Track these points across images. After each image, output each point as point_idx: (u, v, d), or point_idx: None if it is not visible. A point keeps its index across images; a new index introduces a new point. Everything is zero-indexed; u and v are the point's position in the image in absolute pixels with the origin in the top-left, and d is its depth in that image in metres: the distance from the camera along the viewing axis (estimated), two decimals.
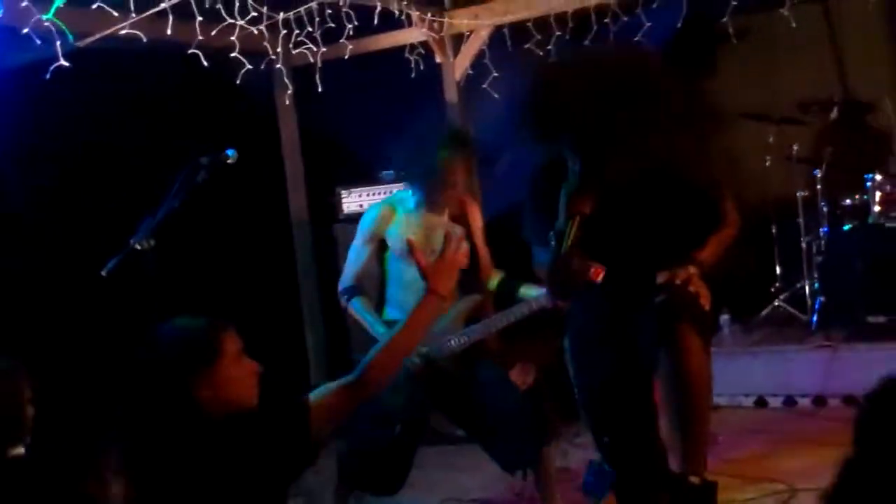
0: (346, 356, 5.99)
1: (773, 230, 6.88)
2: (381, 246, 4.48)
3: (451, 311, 4.39)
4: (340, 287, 4.51)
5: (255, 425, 2.52)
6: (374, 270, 4.56)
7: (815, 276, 6.38)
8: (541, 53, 5.89)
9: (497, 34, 6.09)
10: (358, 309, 4.44)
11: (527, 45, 5.88)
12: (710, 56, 7.37)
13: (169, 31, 4.51)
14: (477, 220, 4.60)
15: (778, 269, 6.88)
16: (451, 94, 6.37)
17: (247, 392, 2.60)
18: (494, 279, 4.58)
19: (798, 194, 6.57)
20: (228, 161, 3.77)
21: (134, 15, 4.35)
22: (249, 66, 5.04)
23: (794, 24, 5.41)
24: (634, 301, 3.47)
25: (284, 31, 5.19)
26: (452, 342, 4.36)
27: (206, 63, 4.70)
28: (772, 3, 5.34)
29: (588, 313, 3.63)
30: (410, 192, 4.48)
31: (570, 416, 4.43)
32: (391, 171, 6.26)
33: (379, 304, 4.54)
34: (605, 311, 3.56)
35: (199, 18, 4.55)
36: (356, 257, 4.51)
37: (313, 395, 2.59)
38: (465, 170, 4.39)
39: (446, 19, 6.14)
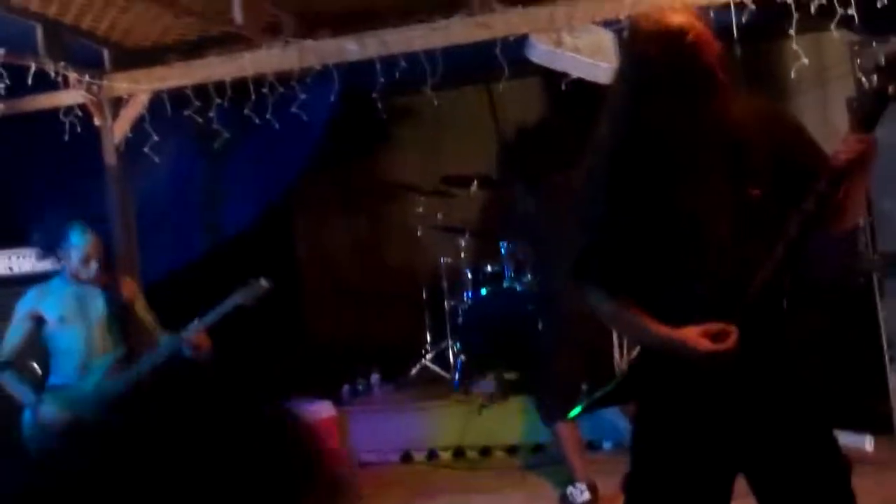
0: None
1: (423, 295, 7.32)
2: (39, 323, 4.85)
3: (98, 370, 4.76)
4: None
5: None
6: (36, 346, 4.92)
7: (458, 337, 6.84)
8: (200, 120, 6.06)
9: (158, 99, 6.18)
10: (9, 380, 4.77)
11: (187, 112, 6.03)
12: (372, 131, 7.76)
13: None
14: (131, 291, 5.06)
15: (428, 332, 7.31)
16: (110, 158, 6.35)
17: None
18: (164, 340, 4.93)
19: (442, 260, 7.05)
20: None
21: None
22: None
23: (436, 103, 5.84)
24: None
25: None
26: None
27: None
28: (419, 83, 5.73)
29: None
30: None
31: None
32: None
33: (45, 375, 4.89)
34: None
35: None
36: (12, 334, 4.84)
37: None
38: (93, 259, 4.88)
39: (105, 82, 6.16)
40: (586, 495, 5.17)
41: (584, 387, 4.98)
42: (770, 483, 2.70)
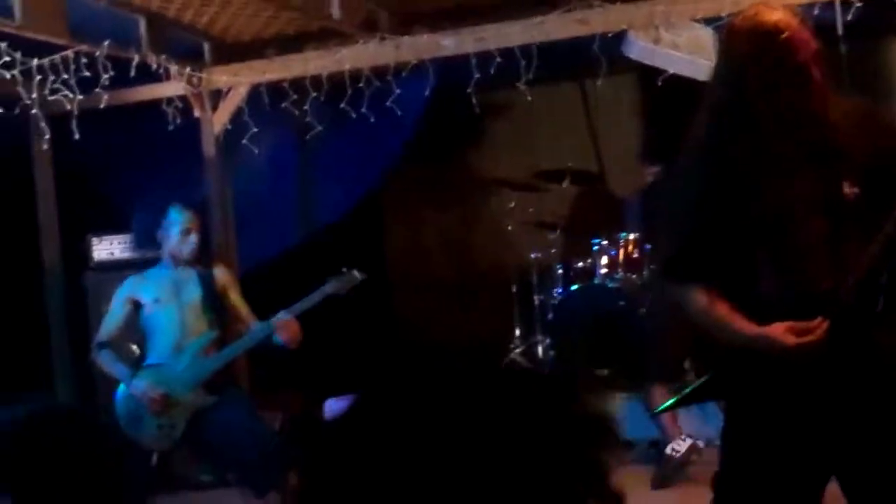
0: (94, 403, 6.00)
1: (513, 290, 7.31)
2: (136, 307, 4.94)
3: (190, 350, 4.84)
4: (93, 343, 4.96)
5: None
6: (133, 329, 5.04)
7: (547, 332, 6.82)
8: (297, 113, 6.15)
9: (255, 92, 6.29)
10: (105, 359, 4.90)
11: (284, 105, 6.12)
12: (465, 126, 7.77)
13: None
14: (223, 277, 5.09)
15: (517, 326, 7.29)
16: (209, 148, 6.49)
17: None
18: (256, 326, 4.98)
19: (532, 256, 7.04)
20: None
21: None
22: (2, 111, 5.06)
23: (529, 98, 5.85)
24: None
25: (39, 77, 5.22)
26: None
27: None
28: (513, 79, 5.73)
29: None
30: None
31: None
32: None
33: (142, 357, 5.02)
34: None
35: None
36: (110, 317, 4.97)
37: None
38: (193, 232, 4.94)
39: (205, 75, 6.28)
40: (689, 441, 5.15)
41: (686, 366, 5.44)
42: (863, 486, 2.66)
